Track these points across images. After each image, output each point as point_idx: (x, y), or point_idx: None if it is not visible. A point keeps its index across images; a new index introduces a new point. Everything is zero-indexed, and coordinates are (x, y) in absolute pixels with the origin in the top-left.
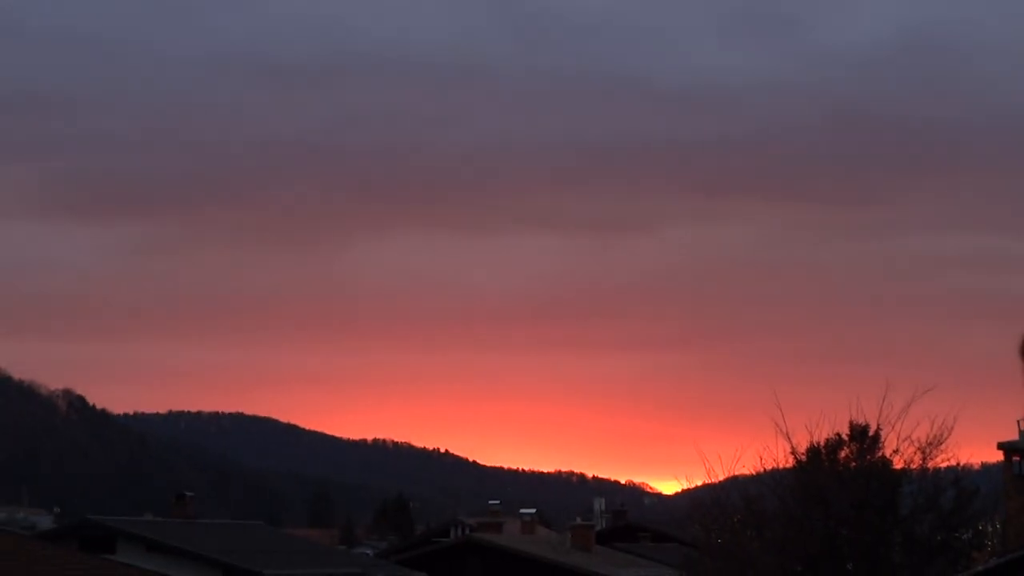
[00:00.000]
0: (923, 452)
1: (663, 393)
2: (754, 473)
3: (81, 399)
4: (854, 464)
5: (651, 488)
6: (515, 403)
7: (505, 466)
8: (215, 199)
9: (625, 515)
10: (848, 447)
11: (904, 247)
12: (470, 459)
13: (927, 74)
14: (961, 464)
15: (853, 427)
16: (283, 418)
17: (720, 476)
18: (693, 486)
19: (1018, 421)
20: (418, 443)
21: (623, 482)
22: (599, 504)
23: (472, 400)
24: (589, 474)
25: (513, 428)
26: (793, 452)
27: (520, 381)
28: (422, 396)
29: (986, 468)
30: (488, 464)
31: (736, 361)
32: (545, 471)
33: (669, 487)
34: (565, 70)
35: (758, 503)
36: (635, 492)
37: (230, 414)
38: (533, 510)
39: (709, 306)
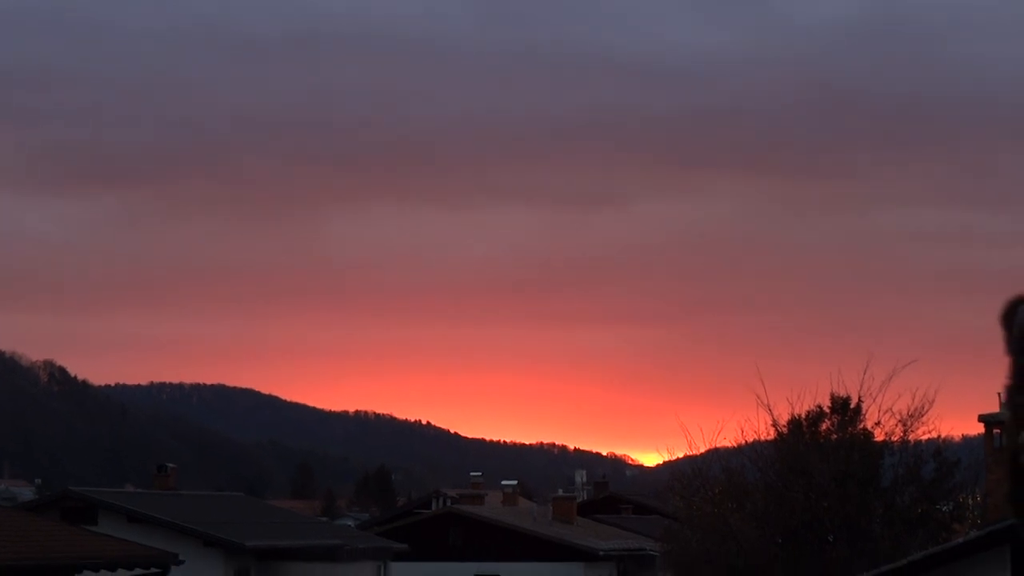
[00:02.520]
0: (904, 424)
1: (644, 366)
2: (735, 446)
3: (63, 370)
4: (835, 436)
5: (633, 460)
6: (496, 375)
7: (487, 438)
8: (192, 172)
9: (607, 487)
10: (829, 419)
11: (884, 221)
12: (452, 431)
13: (900, 48)
14: (942, 436)
15: (834, 399)
16: (264, 389)
17: (701, 448)
18: (675, 458)
19: (999, 393)
20: (400, 415)
21: (605, 454)
22: (580, 476)
23: (453, 373)
24: (571, 446)
25: (494, 401)
26: (774, 424)
27: (501, 354)
28: (404, 368)
29: (967, 440)
30: (470, 436)
31: (717, 335)
32: (527, 443)
33: (651, 459)
34: (537, 43)
35: (739, 475)
36: (617, 464)
37: (211, 386)
38: (514, 482)
39: (689, 280)
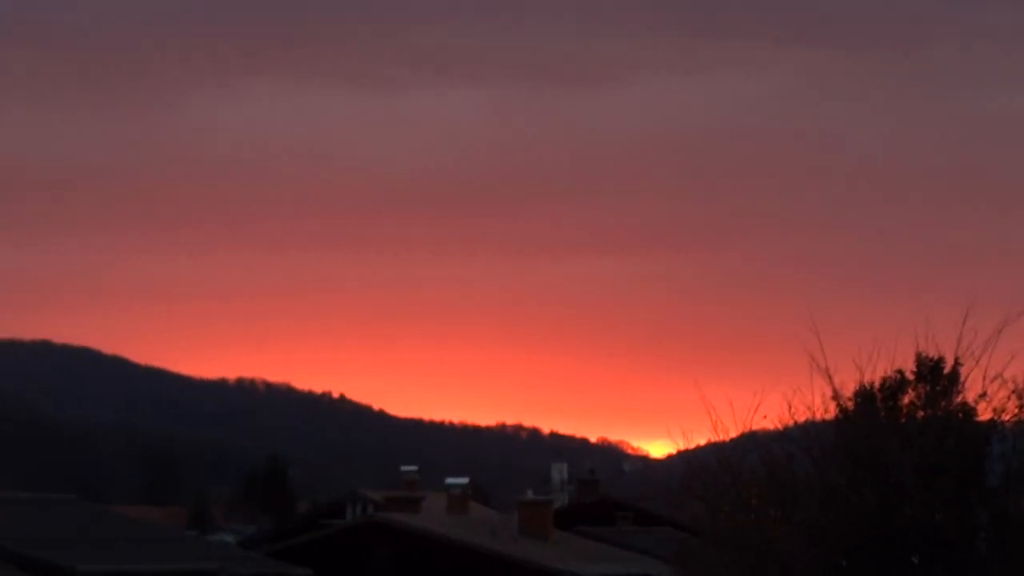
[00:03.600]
0: (1020, 397)
1: (647, 316)
2: (779, 428)
3: None
4: (922, 414)
5: (633, 449)
6: (438, 330)
7: (425, 418)
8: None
9: (596, 486)
10: (914, 390)
11: (984, 103)
12: (375, 408)
13: None
14: None
15: (921, 361)
16: (108, 349)
17: (731, 432)
18: (693, 446)
19: None
20: (301, 385)
21: (593, 440)
22: (559, 471)
23: (377, 325)
24: (545, 429)
25: (435, 367)
26: (835, 397)
27: (443, 299)
28: (305, 319)
29: None
30: (401, 415)
31: (749, 269)
32: (482, 425)
33: (658, 448)
34: None
35: (785, 470)
36: (611, 454)
37: (33, 343)
38: (465, 479)
39: (703, 191)
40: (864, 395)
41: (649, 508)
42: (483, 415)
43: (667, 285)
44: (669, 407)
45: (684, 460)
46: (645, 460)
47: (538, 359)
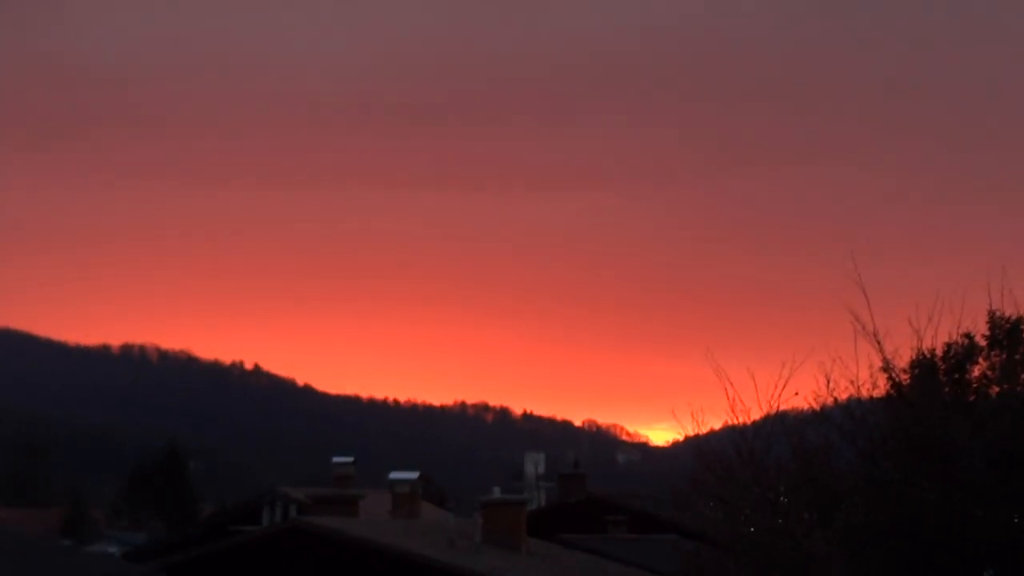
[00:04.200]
0: None
1: (644, 266)
2: (815, 408)
3: None
4: (996, 389)
5: (629, 435)
6: (379, 288)
7: (363, 395)
8: None
9: (582, 482)
10: (986, 359)
11: None
12: (299, 382)
13: None
14: None
15: (995, 323)
16: None
17: (753, 413)
18: (704, 431)
19: None
20: (205, 354)
21: (578, 424)
22: (535, 463)
23: (302, 283)
24: (516, 409)
25: (376, 333)
26: (886, 369)
27: (383, 248)
28: (210, 272)
29: None
30: (332, 391)
31: (776, 205)
32: (436, 404)
33: (660, 434)
34: None
35: (822, 461)
36: (600, 442)
37: None
38: (414, 474)
39: (719, 112)
40: (923, 366)
41: (649, 510)
42: (437, 393)
43: (668, 225)
44: (673, 382)
45: (694, 449)
46: (643, 449)
47: (505, 324)
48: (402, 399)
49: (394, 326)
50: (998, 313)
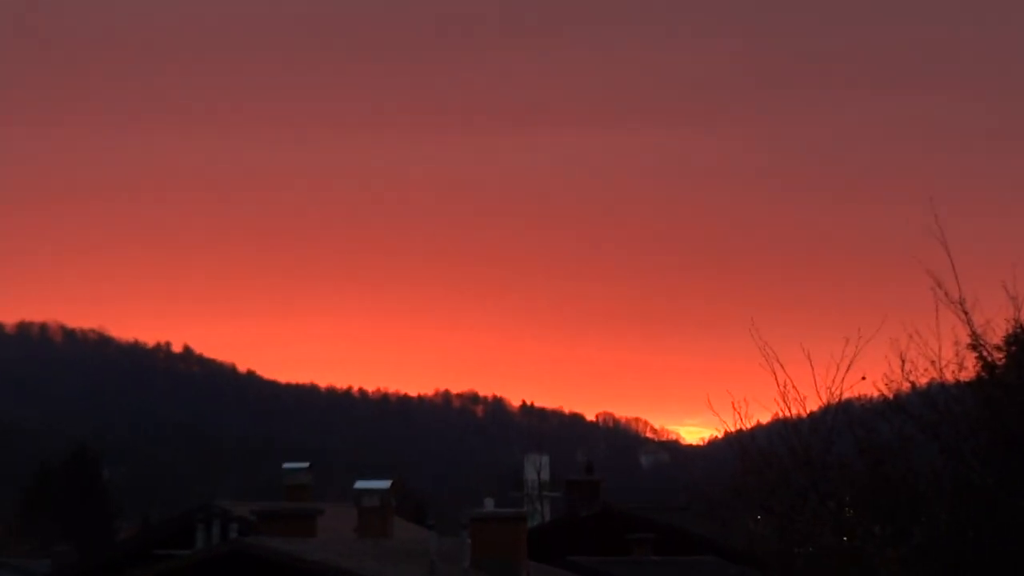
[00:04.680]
0: None
1: (670, 222)
2: (886, 396)
3: None
4: None
5: (654, 431)
6: (338, 254)
7: (321, 384)
8: None
9: (597, 490)
10: None
11: None
12: (241, 368)
13: None
14: None
15: None
16: None
17: (810, 404)
18: (748, 426)
19: None
20: (122, 333)
21: (591, 419)
22: (537, 467)
23: (246, 250)
24: (513, 401)
25: (337, 308)
26: (975, 346)
27: (345, 201)
28: (129, 238)
29: None
30: (283, 380)
31: (837, 142)
32: (412, 395)
33: (693, 430)
34: None
35: (898, 462)
36: (620, 441)
37: None
38: (386, 483)
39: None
40: (1021, 343)
41: (681, 525)
42: (414, 380)
43: (698, 170)
44: (710, 366)
45: (735, 448)
46: (673, 448)
47: (498, 297)
48: (370, 389)
49: (360, 301)
50: None
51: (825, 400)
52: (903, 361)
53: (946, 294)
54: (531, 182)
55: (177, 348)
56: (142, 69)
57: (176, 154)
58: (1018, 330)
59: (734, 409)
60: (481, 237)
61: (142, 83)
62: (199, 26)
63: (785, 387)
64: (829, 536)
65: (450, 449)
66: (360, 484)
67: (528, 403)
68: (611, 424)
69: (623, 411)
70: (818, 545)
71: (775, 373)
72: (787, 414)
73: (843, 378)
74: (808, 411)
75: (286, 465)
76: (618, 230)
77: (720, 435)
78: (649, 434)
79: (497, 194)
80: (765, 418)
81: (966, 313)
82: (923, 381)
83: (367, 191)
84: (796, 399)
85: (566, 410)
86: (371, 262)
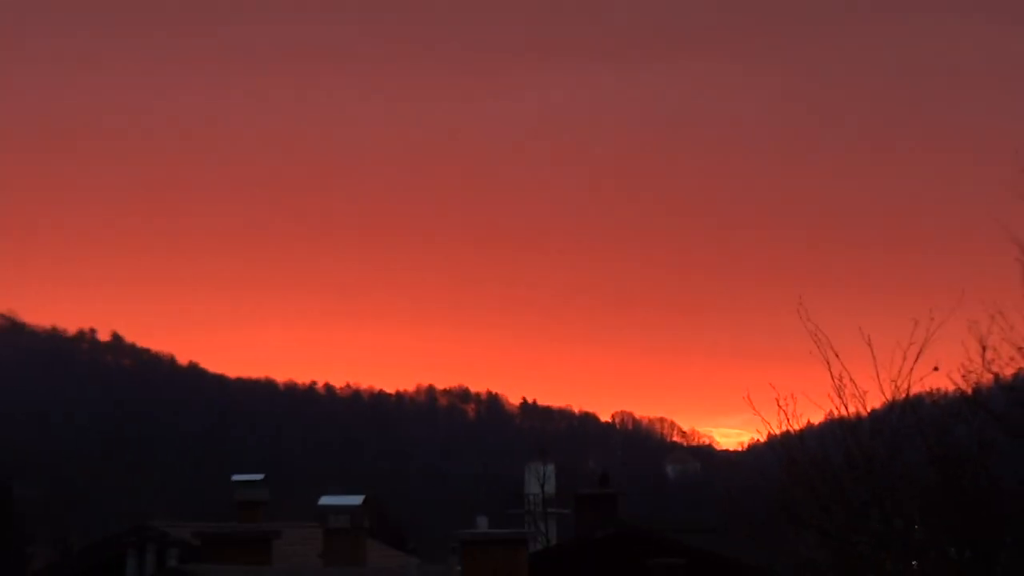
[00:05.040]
0: None
1: (707, 181)
2: (965, 392)
3: None
4: None
5: (683, 435)
6: (298, 222)
7: (279, 380)
8: None
9: (614, 507)
10: None
11: None
12: (182, 360)
13: None
14: None
15: None
16: None
17: (871, 400)
18: (796, 427)
19: None
20: (37, 319)
21: (606, 420)
22: (539, 476)
23: (186, 221)
24: (512, 398)
25: (296, 289)
26: None
27: (311, 162)
28: (43, 210)
29: None
30: (232, 374)
31: (897, 69)
32: (388, 392)
33: (729, 434)
34: None
35: (977, 470)
36: (641, 447)
37: None
38: (358, 499)
39: None
40: None
41: (715, 549)
42: (391, 375)
43: (739, 121)
44: (749, 356)
45: (780, 454)
46: (705, 455)
47: (493, 274)
48: (338, 385)
49: (326, 280)
50: None
51: (889, 396)
52: (984, 348)
53: None
54: (545, 123)
55: (104, 336)
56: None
57: (100, 108)
58: None
59: (779, 407)
60: (473, 205)
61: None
62: None
63: (840, 380)
64: (896, 560)
65: (435, 457)
66: (326, 500)
67: (530, 401)
68: (630, 426)
69: (644, 410)
70: (882, 572)
71: (828, 363)
72: (843, 413)
73: (911, 369)
74: (869, 409)
75: (236, 477)
76: (638, 194)
77: (762, 439)
78: (676, 438)
79: (498, 144)
80: (817, 418)
81: None
82: (1008, 372)
83: (328, 150)
84: (854, 395)
85: (576, 409)
86: (340, 235)
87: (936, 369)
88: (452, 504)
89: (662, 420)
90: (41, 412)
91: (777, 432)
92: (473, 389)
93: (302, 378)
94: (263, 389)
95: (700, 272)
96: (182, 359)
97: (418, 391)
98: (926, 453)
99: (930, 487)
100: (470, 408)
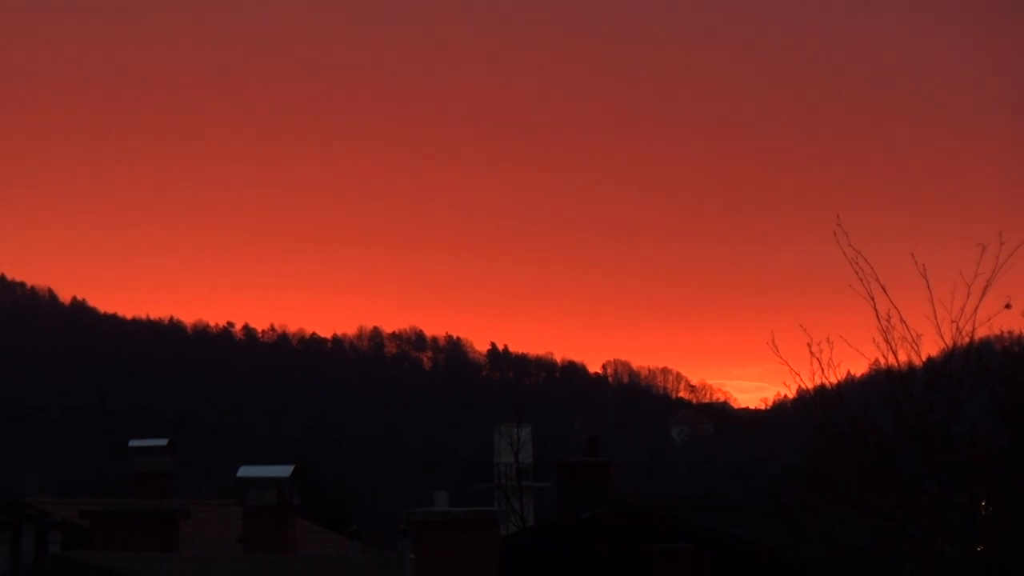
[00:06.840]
0: None
1: (723, 85)
2: None
3: None
4: None
5: (692, 389)
6: (215, 134)
7: (186, 321)
8: None
9: (605, 479)
10: None
11: None
12: (64, 298)
13: None
14: None
15: None
16: None
17: (926, 346)
18: (833, 380)
19: None
20: None
21: (596, 371)
22: (512, 441)
23: (73, 135)
24: (478, 344)
25: (207, 212)
26: None
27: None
28: None
29: None
30: (128, 314)
31: None
32: (323, 335)
33: (749, 389)
34: None
35: None
36: (640, 403)
37: None
38: (286, 469)
39: None
40: None
41: (730, 529)
42: (325, 317)
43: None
44: (774, 291)
45: (813, 414)
46: (720, 414)
47: (452, 193)
48: (260, 327)
49: (245, 202)
50: None
51: (949, 341)
52: None
53: None
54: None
55: None
56: None
57: None
58: None
59: (811, 355)
60: (423, 99)
61: None
62: None
63: (888, 321)
64: (956, 543)
65: (382, 418)
66: (246, 471)
67: (500, 348)
68: (625, 379)
69: (644, 360)
70: (939, 557)
71: (873, 300)
72: (891, 362)
73: (976, 307)
74: (924, 357)
75: (133, 442)
76: (636, 103)
77: (790, 394)
78: (683, 394)
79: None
80: (859, 368)
81: None
82: None
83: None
84: (905, 339)
85: (558, 358)
86: (259, 149)
87: (1008, 307)
88: (403, 476)
89: (665, 372)
90: None
91: (809, 386)
92: (429, 333)
93: (215, 319)
94: (167, 332)
95: (710, 192)
96: (64, 296)
97: (360, 335)
98: (995, 411)
99: (1000, 453)
100: (425, 357)
